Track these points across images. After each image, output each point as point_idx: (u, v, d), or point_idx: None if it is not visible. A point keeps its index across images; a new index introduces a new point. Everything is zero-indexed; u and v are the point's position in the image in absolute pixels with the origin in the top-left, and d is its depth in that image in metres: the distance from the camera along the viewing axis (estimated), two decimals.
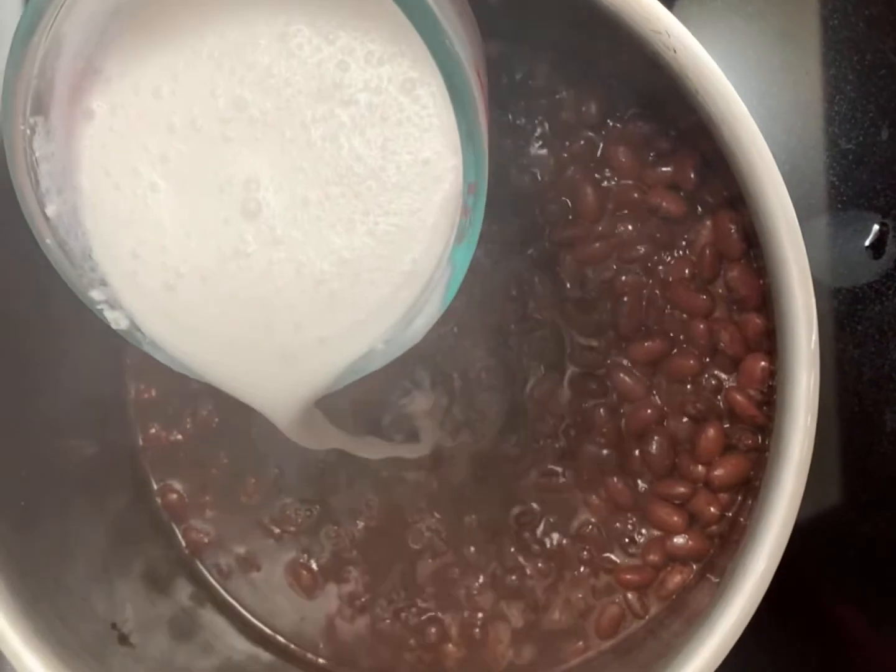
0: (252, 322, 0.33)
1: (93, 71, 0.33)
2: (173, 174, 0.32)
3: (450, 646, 0.49)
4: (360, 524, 0.50)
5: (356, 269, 0.32)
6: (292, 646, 0.51)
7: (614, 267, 0.47)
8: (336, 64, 0.31)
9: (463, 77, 0.28)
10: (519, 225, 0.48)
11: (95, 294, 0.33)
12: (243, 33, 0.31)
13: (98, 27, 0.32)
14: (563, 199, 0.48)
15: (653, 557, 0.47)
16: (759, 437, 0.45)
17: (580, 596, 0.48)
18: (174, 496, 0.51)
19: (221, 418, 0.50)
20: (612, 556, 0.48)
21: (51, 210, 0.32)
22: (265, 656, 0.50)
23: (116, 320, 0.34)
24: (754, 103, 0.51)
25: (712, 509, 0.46)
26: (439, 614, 0.50)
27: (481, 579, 0.49)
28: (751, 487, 0.45)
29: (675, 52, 0.36)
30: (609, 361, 0.48)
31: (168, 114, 0.32)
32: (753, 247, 0.44)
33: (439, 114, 0.31)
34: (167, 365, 0.34)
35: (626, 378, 0.47)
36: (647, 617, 0.48)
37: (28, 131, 0.31)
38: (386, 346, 0.33)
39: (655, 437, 0.47)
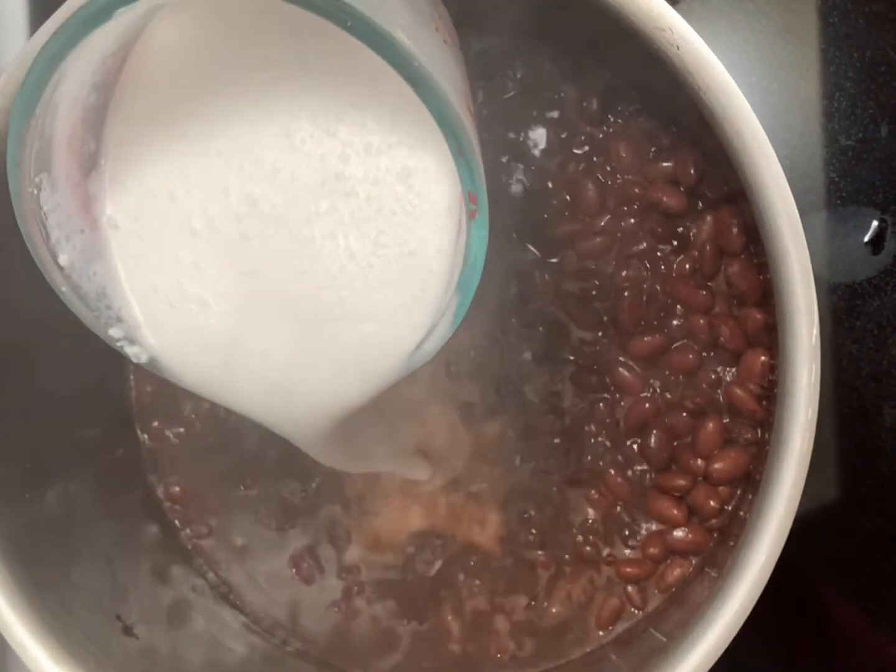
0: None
1: (111, 179, 0.33)
2: (213, 286, 0.34)
3: (451, 638, 0.49)
4: (358, 513, 0.50)
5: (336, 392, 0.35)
6: (292, 637, 0.51)
7: (615, 262, 0.48)
8: (337, 156, 0.32)
9: (458, 127, 0.28)
10: (520, 220, 0.48)
11: (114, 332, 0.34)
12: (249, 131, 0.32)
13: (91, 74, 0.32)
14: (564, 194, 0.48)
15: (653, 551, 0.48)
16: (759, 432, 0.46)
17: (581, 589, 0.49)
18: (176, 488, 0.51)
19: (223, 411, 0.51)
20: (612, 550, 0.49)
21: (63, 259, 0.33)
22: (266, 647, 0.50)
23: (137, 355, 0.34)
24: (755, 100, 0.51)
25: (712, 503, 0.46)
26: (440, 607, 0.50)
27: (482, 573, 0.50)
28: (751, 481, 0.45)
29: (678, 48, 0.36)
30: (609, 356, 0.48)
31: (187, 216, 0.33)
32: (754, 242, 0.45)
33: (431, 199, 0.32)
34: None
35: (626, 373, 0.48)
36: (646, 610, 0.48)
37: (35, 191, 0.31)
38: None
39: (654, 431, 0.47)
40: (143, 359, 0.35)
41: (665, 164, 0.46)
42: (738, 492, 0.46)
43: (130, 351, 0.34)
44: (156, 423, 0.52)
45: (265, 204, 0.32)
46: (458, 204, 0.32)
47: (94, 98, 0.32)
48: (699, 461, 0.46)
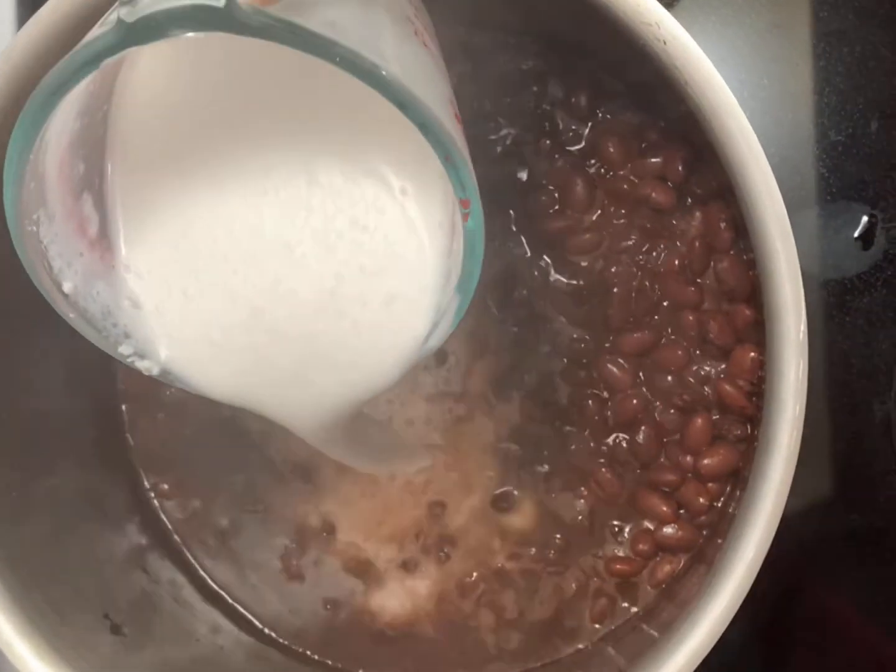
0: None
1: (124, 267, 0.34)
2: (243, 392, 0.36)
3: (431, 629, 0.49)
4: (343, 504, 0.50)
5: None
6: (282, 634, 0.51)
7: (604, 258, 0.47)
8: (333, 274, 0.33)
9: (446, 137, 0.28)
10: (509, 216, 0.48)
11: (124, 349, 0.34)
12: (252, 237, 0.33)
13: (75, 104, 0.31)
14: (553, 190, 0.48)
15: (642, 547, 0.47)
16: (749, 428, 0.46)
17: (572, 585, 0.49)
18: (165, 486, 0.51)
19: (209, 403, 0.50)
20: (602, 546, 0.49)
21: (67, 286, 0.33)
22: (255, 645, 0.50)
23: (148, 368, 0.35)
24: (745, 95, 0.51)
25: (701, 500, 0.46)
26: (428, 601, 0.50)
27: (473, 569, 0.49)
28: (740, 478, 0.45)
29: (664, 43, 0.36)
30: (598, 352, 0.48)
31: (203, 319, 0.34)
32: (743, 238, 0.45)
33: (406, 331, 0.33)
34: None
35: (614, 369, 0.48)
36: (637, 606, 0.48)
37: (34, 228, 0.32)
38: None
39: (643, 428, 0.47)
40: (155, 371, 0.35)
41: (654, 160, 0.46)
42: (728, 488, 0.46)
43: (141, 365, 0.35)
44: (143, 420, 0.51)
45: (269, 317, 0.34)
46: (450, 213, 0.33)
47: (80, 123, 0.32)
48: (688, 457, 0.46)
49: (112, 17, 0.26)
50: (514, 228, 0.48)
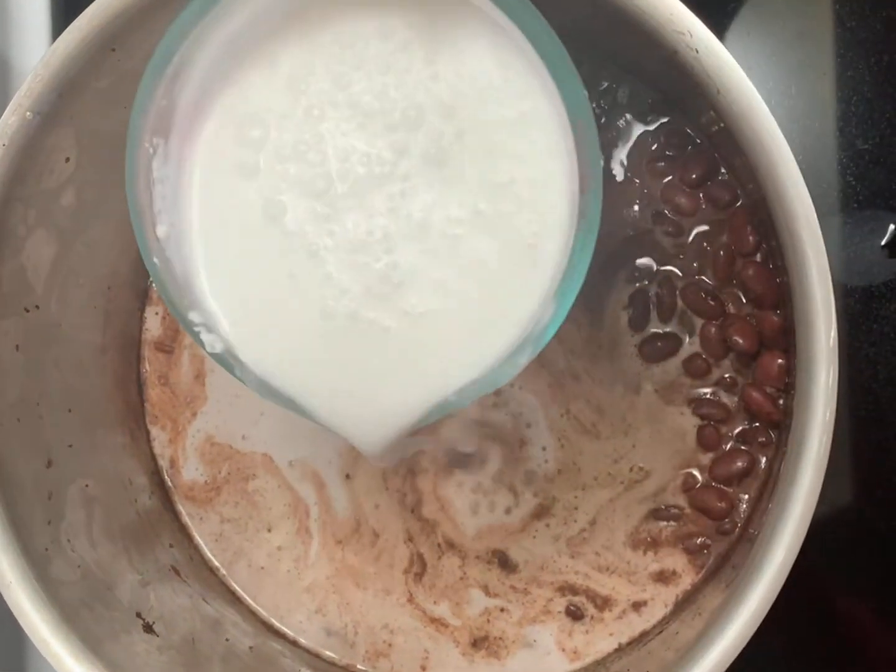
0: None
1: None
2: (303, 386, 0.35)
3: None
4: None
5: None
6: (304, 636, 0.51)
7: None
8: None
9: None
10: None
11: (194, 316, 0.35)
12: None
13: (220, 64, 0.33)
14: None
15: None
16: (774, 434, 0.46)
17: None
18: (193, 490, 0.51)
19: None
20: None
21: (161, 230, 0.34)
22: (279, 647, 0.50)
23: (212, 343, 0.35)
24: (771, 103, 0.51)
25: (721, 504, 0.46)
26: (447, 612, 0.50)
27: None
28: (767, 483, 0.46)
29: (697, 52, 0.36)
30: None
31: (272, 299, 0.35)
32: (768, 244, 0.45)
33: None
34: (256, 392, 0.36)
35: None
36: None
37: (151, 150, 0.33)
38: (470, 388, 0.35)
39: None
40: (218, 348, 0.35)
41: (680, 165, 0.47)
42: (754, 493, 0.46)
43: (206, 338, 0.35)
44: (166, 426, 0.52)
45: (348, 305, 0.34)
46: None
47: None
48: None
49: None
50: None
